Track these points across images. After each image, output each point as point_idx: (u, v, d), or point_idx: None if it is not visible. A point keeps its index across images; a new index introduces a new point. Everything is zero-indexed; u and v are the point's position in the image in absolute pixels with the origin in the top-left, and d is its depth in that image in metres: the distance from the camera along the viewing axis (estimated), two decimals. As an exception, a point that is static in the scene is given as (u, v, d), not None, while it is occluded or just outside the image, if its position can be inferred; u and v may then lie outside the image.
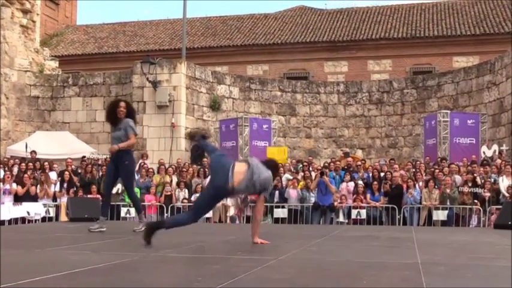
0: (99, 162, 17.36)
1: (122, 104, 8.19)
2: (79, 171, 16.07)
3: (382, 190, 14.32)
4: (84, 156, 17.25)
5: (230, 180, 5.79)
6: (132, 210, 14.49)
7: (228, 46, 32.57)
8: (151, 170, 15.98)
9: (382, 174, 15.12)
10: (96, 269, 4.21)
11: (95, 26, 39.19)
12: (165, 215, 14.60)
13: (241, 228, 10.95)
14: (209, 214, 14.34)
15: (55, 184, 14.64)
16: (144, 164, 16.96)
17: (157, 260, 4.94)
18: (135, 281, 3.70)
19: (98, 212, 12.33)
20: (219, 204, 14.33)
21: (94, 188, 14.53)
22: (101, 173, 15.81)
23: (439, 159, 16.96)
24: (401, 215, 13.73)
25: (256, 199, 6.34)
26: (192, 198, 14.84)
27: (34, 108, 21.69)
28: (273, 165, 6.43)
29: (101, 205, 8.82)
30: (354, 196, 14.35)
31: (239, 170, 5.93)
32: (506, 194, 13.01)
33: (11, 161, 16.33)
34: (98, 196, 14.08)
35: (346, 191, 14.62)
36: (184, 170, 16.12)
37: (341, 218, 14.07)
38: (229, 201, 14.45)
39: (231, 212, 14.43)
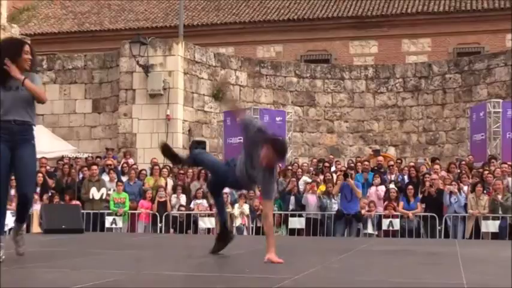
0: (80, 162, 17.43)
1: (28, 48, 6.08)
2: (55, 173, 16.12)
3: (419, 196, 14.27)
4: (62, 156, 17.31)
5: None
6: (120, 221, 14.54)
7: (234, 23, 32.55)
8: (144, 172, 16.02)
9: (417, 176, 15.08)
10: (75, 291, 4.21)
11: (75, -1, 39.31)
12: (159, 225, 14.63)
13: (249, 240, 10.92)
14: (211, 224, 14.37)
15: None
16: (131, 164, 16.98)
17: (149, 279, 4.93)
18: (121, 305, 3.69)
19: (79, 222, 12.40)
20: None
21: (70, 194, 14.59)
22: (81, 176, 15.87)
23: (488, 157, 16.87)
24: (443, 225, 13.68)
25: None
26: (192, 205, 14.87)
27: (2, 97, 21.80)
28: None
29: None
30: (385, 203, 14.31)
31: None
32: None
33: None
34: (78, 202, 14.13)
35: (375, 197, 14.59)
36: (182, 172, 16.13)
37: (369, 229, 14.06)
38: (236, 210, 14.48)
39: (238, 222, 14.43)
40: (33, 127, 6.21)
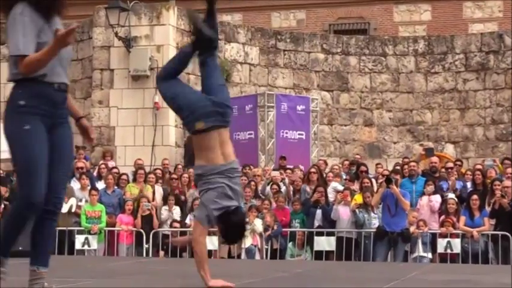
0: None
1: None
2: (10, 178, 16.18)
3: (486, 209, 14.21)
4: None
5: None
6: (94, 241, 14.55)
7: (242, -18, 32.50)
8: (124, 178, 16.02)
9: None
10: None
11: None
12: (144, 246, 14.63)
13: (264, 266, 10.92)
14: (213, 246, 14.35)
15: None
16: (110, 167, 16.99)
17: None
18: None
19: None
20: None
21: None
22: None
23: None
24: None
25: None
26: (187, 221, 14.86)
27: None
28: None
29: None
30: (442, 218, 14.26)
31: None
32: None
33: None
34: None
35: (428, 210, 14.54)
36: (175, 177, 16.12)
37: (421, 252, 14.02)
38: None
39: (248, 242, 14.41)
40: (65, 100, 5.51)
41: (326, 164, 18.67)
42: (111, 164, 17.74)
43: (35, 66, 5.05)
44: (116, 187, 15.69)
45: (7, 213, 5.53)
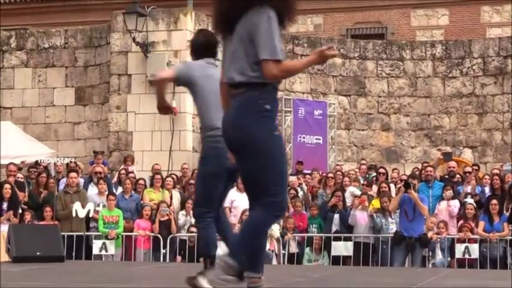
0: (61, 169, 17.47)
1: None
2: (29, 182, 16.18)
3: (505, 213, 14.14)
4: (36, 161, 17.37)
5: None
6: (112, 246, 14.55)
7: (259, -13, 32.48)
8: (141, 182, 16.04)
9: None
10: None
11: (53, -43, 39.46)
12: (162, 251, 14.64)
13: (281, 271, 10.89)
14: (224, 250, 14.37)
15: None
16: (128, 172, 17.03)
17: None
18: None
19: (58, 247, 12.42)
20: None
21: (49, 210, 14.60)
22: (62, 186, 15.90)
23: None
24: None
25: None
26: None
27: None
28: None
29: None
30: (460, 223, 14.21)
31: None
32: None
33: None
34: (56, 222, 14.15)
35: (446, 215, 14.50)
36: (193, 181, 16.11)
37: (439, 257, 13.95)
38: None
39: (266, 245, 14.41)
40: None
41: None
42: (131, 169, 17.73)
43: (290, 74, 5.58)
44: (133, 192, 15.70)
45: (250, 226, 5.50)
